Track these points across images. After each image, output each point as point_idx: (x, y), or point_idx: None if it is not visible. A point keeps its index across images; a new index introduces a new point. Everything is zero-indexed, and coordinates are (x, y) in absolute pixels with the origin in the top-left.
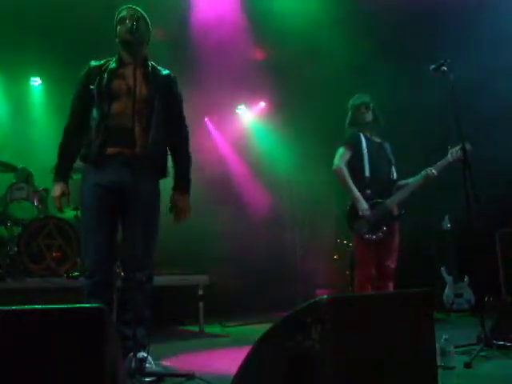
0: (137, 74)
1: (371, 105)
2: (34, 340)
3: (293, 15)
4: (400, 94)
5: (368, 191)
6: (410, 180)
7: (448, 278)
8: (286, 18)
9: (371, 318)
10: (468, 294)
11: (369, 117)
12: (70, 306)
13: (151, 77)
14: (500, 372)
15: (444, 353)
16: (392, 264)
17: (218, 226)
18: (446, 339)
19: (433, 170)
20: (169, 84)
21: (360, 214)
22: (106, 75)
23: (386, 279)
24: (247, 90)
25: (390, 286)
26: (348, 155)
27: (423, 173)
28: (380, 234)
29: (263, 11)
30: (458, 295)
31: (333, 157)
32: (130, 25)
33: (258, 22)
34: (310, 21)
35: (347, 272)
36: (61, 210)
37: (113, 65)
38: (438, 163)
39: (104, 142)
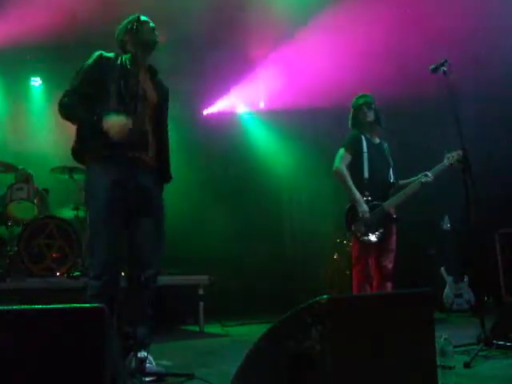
0: (146, 78)
1: (373, 105)
2: (34, 340)
3: (293, 15)
4: (402, 92)
5: (367, 193)
6: (408, 181)
7: (448, 278)
8: (286, 17)
9: (371, 318)
10: (468, 294)
11: (370, 116)
12: (70, 306)
13: (159, 83)
14: (500, 372)
15: (444, 353)
16: (389, 264)
17: (217, 226)
18: (445, 339)
19: (429, 176)
20: (167, 93)
21: (360, 215)
22: (124, 74)
23: (384, 279)
24: (247, 90)
25: (389, 287)
26: (349, 157)
27: (420, 178)
28: (376, 235)
29: (263, 10)
30: (458, 295)
31: (332, 156)
32: (152, 27)
33: (259, 22)
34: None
35: (347, 272)
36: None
37: (128, 64)
38: (435, 168)
39: (126, 146)
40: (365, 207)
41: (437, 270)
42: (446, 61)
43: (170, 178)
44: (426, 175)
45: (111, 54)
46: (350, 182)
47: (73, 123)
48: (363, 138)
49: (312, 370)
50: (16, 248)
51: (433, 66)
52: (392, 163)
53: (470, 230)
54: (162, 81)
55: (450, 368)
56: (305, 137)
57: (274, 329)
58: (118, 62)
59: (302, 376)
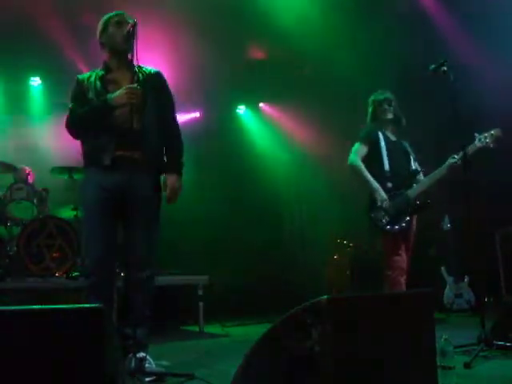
0: (127, 75)
1: (393, 102)
2: (34, 340)
3: (293, 14)
4: (403, 91)
5: (389, 184)
6: (435, 172)
7: (448, 278)
8: (286, 17)
9: (371, 318)
10: (468, 294)
11: (390, 114)
12: (70, 306)
13: (140, 77)
14: (500, 372)
15: (444, 353)
16: (406, 256)
17: (217, 226)
18: (446, 339)
19: (457, 158)
20: (159, 81)
21: (378, 204)
22: (98, 82)
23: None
24: (247, 90)
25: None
26: (364, 151)
27: (448, 162)
28: (403, 224)
29: (263, 10)
30: (458, 295)
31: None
32: (125, 31)
33: (259, 21)
34: (310, 20)
35: (347, 272)
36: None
37: (100, 72)
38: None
39: (116, 146)
40: (383, 195)
41: (437, 270)
42: (445, 60)
43: (163, 169)
44: (454, 157)
45: (86, 74)
46: (367, 173)
47: (85, 127)
48: (379, 132)
49: (312, 370)
50: (16, 248)
51: (433, 66)
52: (414, 156)
53: (469, 230)
54: (147, 69)
55: (451, 368)
56: (305, 136)
57: (273, 329)
58: (93, 78)
59: (302, 376)
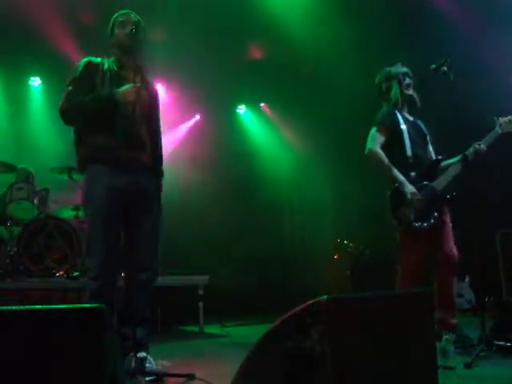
0: (136, 78)
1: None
2: (34, 340)
3: (293, 13)
4: None
5: (412, 173)
6: (450, 162)
7: None
8: (286, 17)
9: (371, 317)
10: (469, 294)
11: (411, 90)
12: (70, 306)
13: (148, 82)
14: (500, 372)
15: (445, 353)
16: (454, 251)
17: (218, 227)
18: (447, 339)
19: (481, 145)
20: (157, 91)
21: (408, 196)
22: (112, 77)
23: (449, 269)
24: (247, 90)
25: (455, 279)
26: (382, 137)
27: (471, 149)
28: (432, 220)
29: (264, 10)
30: (459, 295)
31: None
32: (129, 30)
33: (259, 21)
34: (310, 19)
35: (347, 272)
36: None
37: (113, 66)
38: (486, 137)
39: (126, 146)
40: (412, 187)
41: None
42: (445, 60)
43: (162, 174)
44: (478, 144)
45: (99, 59)
46: (388, 162)
47: (85, 115)
48: (397, 112)
49: (312, 369)
50: (16, 248)
51: (434, 66)
52: (431, 140)
53: (470, 229)
54: (150, 79)
55: (451, 368)
56: (305, 136)
57: (274, 329)
58: (106, 66)
59: (302, 376)
